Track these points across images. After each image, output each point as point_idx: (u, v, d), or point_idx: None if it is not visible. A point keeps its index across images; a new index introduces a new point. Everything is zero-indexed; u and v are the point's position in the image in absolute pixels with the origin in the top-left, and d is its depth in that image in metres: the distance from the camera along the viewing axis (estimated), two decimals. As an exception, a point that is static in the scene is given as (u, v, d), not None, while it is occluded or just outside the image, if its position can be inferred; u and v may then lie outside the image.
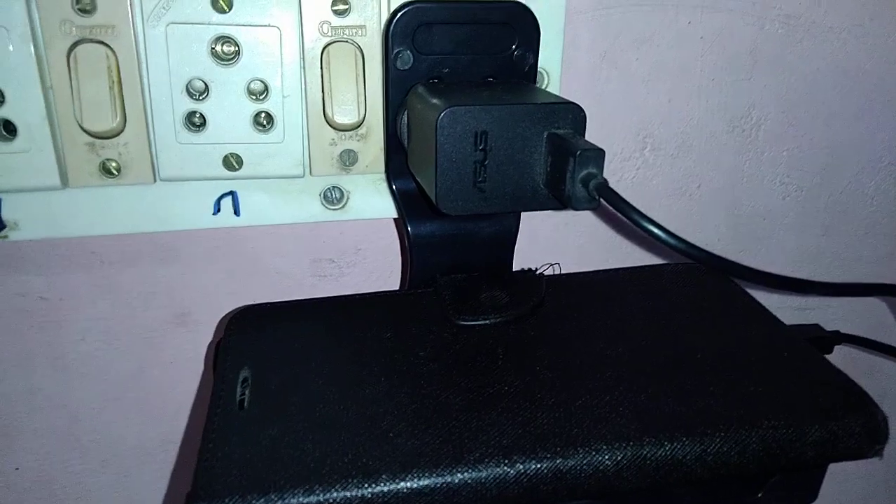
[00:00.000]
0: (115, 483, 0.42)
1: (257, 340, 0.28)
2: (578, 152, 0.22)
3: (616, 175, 0.42)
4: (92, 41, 0.27)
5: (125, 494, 0.42)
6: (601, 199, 0.22)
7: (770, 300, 0.44)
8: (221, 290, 0.39)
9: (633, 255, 0.44)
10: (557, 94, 0.32)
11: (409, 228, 0.31)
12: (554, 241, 0.42)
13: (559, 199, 0.24)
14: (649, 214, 0.43)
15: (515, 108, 0.24)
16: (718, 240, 0.45)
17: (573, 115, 0.24)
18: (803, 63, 0.42)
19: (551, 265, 0.33)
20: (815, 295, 0.32)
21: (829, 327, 0.36)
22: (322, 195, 0.32)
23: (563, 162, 0.23)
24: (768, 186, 0.45)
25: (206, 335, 0.40)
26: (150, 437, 0.41)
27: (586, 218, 0.42)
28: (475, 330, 0.29)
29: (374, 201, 0.33)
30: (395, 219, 0.36)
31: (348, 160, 0.31)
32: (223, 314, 0.39)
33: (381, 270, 0.41)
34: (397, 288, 0.41)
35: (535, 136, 0.24)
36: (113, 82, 0.28)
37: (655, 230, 0.21)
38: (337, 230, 0.39)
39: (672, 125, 0.41)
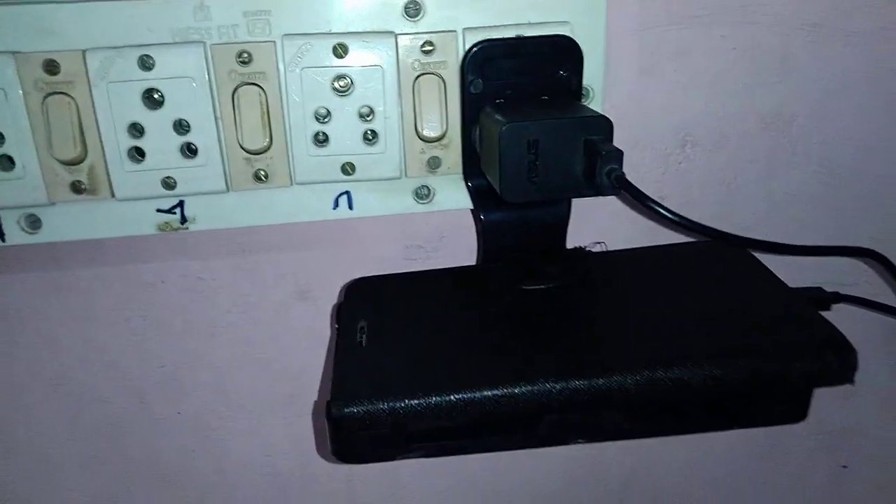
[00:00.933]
0: (253, 428, 0.50)
1: (369, 301, 0.38)
2: (603, 152, 0.30)
3: (660, 169, 0.47)
4: (249, 84, 0.37)
5: (260, 437, 0.51)
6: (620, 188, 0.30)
7: (794, 272, 0.48)
8: (335, 272, 0.45)
9: (662, 236, 0.49)
10: (597, 107, 0.40)
11: (482, 216, 0.40)
12: (602, 225, 0.49)
13: (592, 189, 0.32)
14: (691, 203, 0.49)
15: (559, 122, 0.32)
16: (756, 224, 0.50)
17: (602, 125, 0.32)
18: (831, 64, 0.45)
19: (598, 243, 0.41)
20: (791, 254, 0.37)
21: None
22: (414, 192, 0.42)
23: (594, 160, 0.31)
24: (801, 176, 0.47)
25: (323, 307, 0.46)
26: (280, 390, 0.48)
27: (626, 207, 0.48)
28: (535, 293, 0.37)
29: (454, 196, 0.42)
30: (471, 210, 0.44)
31: (434, 164, 0.40)
32: (335, 290, 0.45)
33: (460, 253, 0.46)
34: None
35: (575, 141, 0.32)
36: (264, 113, 0.38)
37: (661, 210, 0.28)
38: (424, 221, 0.45)
39: (709, 124, 0.45)
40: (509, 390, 0.30)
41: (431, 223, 0.46)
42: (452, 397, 0.30)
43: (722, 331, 0.33)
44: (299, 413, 0.50)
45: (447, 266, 0.48)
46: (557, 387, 0.30)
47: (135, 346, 0.46)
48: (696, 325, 0.33)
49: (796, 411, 0.31)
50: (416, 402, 0.30)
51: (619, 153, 0.30)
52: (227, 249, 0.44)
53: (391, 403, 0.30)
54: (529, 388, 0.30)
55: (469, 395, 0.30)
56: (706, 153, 0.47)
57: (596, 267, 0.39)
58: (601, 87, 0.40)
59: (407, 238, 0.46)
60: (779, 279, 0.37)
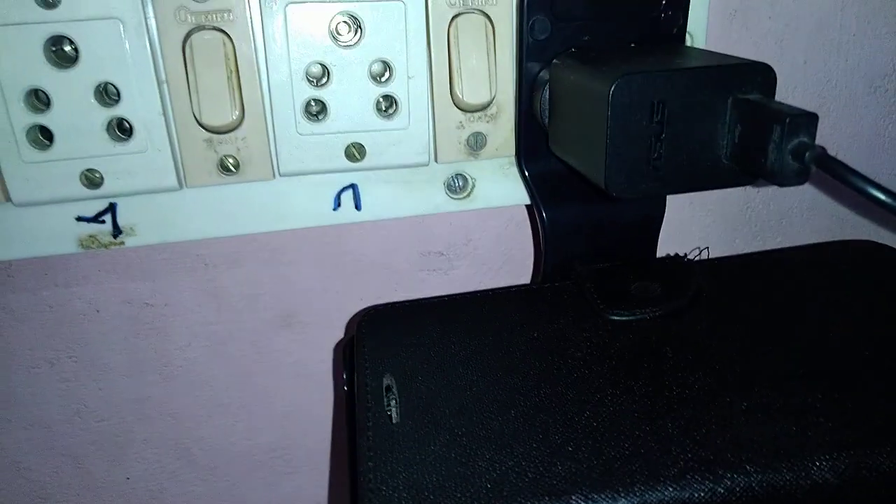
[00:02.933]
0: (224, 491, 0.41)
1: (393, 344, 0.26)
2: (788, 119, 0.19)
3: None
4: (207, 28, 0.25)
5: (234, 503, 0.41)
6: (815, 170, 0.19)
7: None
8: (328, 289, 0.37)
9: (762, 236, 0.41)
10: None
11: (545, 214, 0.29)
12: (680, 224, 0.39)
13: (749, 173, 0.21)
14: (775, 188, 0.40)
15: (698, 73, 0.21)
16: (856, 215, 0.42)
17: (762, 76, 0.21)
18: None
19: (700, 250, 0.30)
20: None
21: None
22: (446, 184, 0.30)
23: (763, 130, 0.19)
24: None
25: (314, 337, 0.38)
26: (258, 443, 0.40)
27: (713, 195, 0.39)
28: (632, 325, 0.26)
29: (501, 188, 0.31)
30: (527, 206, 0.33)
31: (476, 144, 0.28)
32: (331, 314, 0.38)
33: (493, 262, 0.38)
34: (514, 280, 0.38)
35: (719, 102, 0.21)
36: (231, 72, 0.26)
37: (893, 202, 0.17)
38: (446, 221, 0.37)
39: (808, 88, 0.38)
40: (642, 499, 0.19)
41: (455, 222, 0.38)
42: (555, 515, 0.19)
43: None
44: (284, 470, 0.42)
45: (475, 278, 0.38)
46: (720, 489, 0.19)
47: (64, 396, 0.38)
48: (888, 371, 0.23)
49: None
50: (498, 526, 0.18)
51: (813, 119, 0.19)
52: (183, 265, 0.36)
53: (459, 531, 0.18)
54: (675, 493, 0.19)
55: (580, 508, 0.19)
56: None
57: (706, 283, 0.28)
58: (704, 34, 0.29)
59: (423, 242, 0.38)
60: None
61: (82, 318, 0.36)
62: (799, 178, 0.19)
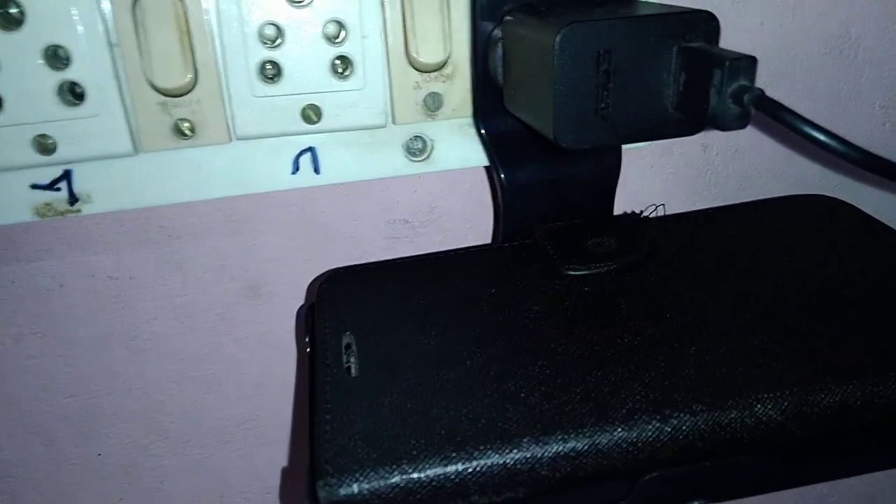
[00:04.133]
0: (197, 465, 0.41)
1: (354, 304, 0.26)
2: (727, 63, 0.19)
3: (703, 110, 0.39)
4: (157, -12, 0.25)
5: (207, 475, 0.42)
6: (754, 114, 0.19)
7: None
8: (294, 259, 0.37)
9: (722, 198, 0.41)
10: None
11: (502, 175, 0.29)
12: (640, 187, 0.39)
13: (695, 121, 0.21)
14: (741, 152, 0.40)
15: (643, 21, 0.21)
16: (816, 175, 0.42)
17: (706, 24, 0.21)
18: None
19: (656, 207, 0.30)
20: None
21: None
22: (405, 146, 0.30)
23: (705, 77, 0.20)
24: (868, 111, 0.41)
25: (282, 307, 0.38)
26: (230, 415, 0.40)
27: (673, 158, 0.39)
28: (587, 280, 0.27)
29: (460, 149, 0.31)
30: (485, 167, 0.33)
31: (433, 104, 0.29)
32: (298, 283, 0.38)
33: (458, 229, 0.38)
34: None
35: (664, 51, 0.21)
36: (182, 33, 0.25)
37: (834, 143, 0.18)
38: (410, 188, 0.37)
39: (765, 50, 0.38)
40: (591, 440, 0.19)
41: (420, 189, 0.37)
42: (507, 457, 0.19)
43: (874, 321, 0.23)
44: (257, 442, 0.42)
45: (441, 246, 0.38)
46: (667, 428, 0.20)
47: (30, 372, 0.37)
48: (832, 315, 0.23)
49: None
50: (450, 469, 0.19)
51: (752, 62, 0.19)
52: (146, 237, 0.35)
53: (413, 475, 0.19)
54: (624, 434, 0.19)
55: (531, 451, 0.19)
56: (761, 86, 0.38)
57: (662, 238, 0.28)
58: (658, -10, 0.29)
59: (388, 210, 0.37)
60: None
61: (46, 292, 0.35)
62: (740, 122, 0.19)
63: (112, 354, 0.37)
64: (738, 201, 0.42)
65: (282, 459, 0.42)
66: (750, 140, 0.40)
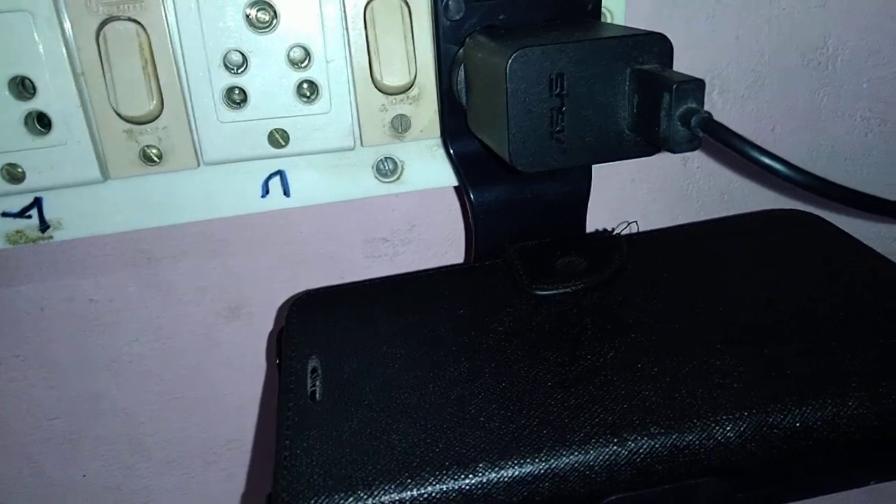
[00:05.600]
0: (182, 485, 0.41)
1: (322, 327, 0.27)
2: (675, 86, 0.19)
3: (682, 124, 0.39)
4: (120, 18, 0.25)
5: (192, 496, 0.42)
6: (703, 137, 0.19)
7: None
8: (273, 279, 0.37)
9: (705, 211, 0.41)
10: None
11: (472, 195, 0.29)
12: (620, 202, 0.39)
13: (650, 143, 0.21)
14: (723, 163, 0.40)
15: (594, 45, 0.21)
16: (797, 189, 0.42)
17: (658, 46, 0.21)
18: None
19: (628, 224, 0.30)
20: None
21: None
22: (375, 168, 0.30)
23: (656, 99, 0.20)
24: (848, 123, 0.41)
25: (262, 327, 0.38)
26: (213, 436, 0.40)
27: (653, 172, 0.39)
28: (555, 300, 0.27)
29: (430, 170, 0.31)
30: (455, 187, 0.34)
31: (401, 126, 0.29)
32: (277, 304, 0.38)
33: (438, 246, 0.38)
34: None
35: (618, 74, 0.21)
36: (146, 62, 0.25)
37: (778, 166, 0.18)
38: (389, 207, 0.37)
39: (741, 63, 0.38)
40: (548, 464, 0.19)
41: (399, 208, 0.37)
42: (462, 483, 0.19)
43: (839, 341, 0.23)
44: (241, 462, 0.42)
45: (421, 264, 0.38)
46: (624, 451, 0.19)
47: (14, 395, 0.37)
48: (798, 334, 0.23)
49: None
50: (405, 495, 0.19)
51: (699, 85, 0.19)
52: (125, 260, 0.36)
53: (367, 501, 0.19)
54: (580, 458, 0.19)
55: (485, 476, 0.19)
56: (738, 101, 0.39)
57: (633, 256, 0.28)
58: (623, 10, 0.29)
59: (367, 229, 0.37)
60: (886, 259, 0.27)
61: (27, 316, 0.35)
62: (690, 144, 0.19)
63: (94, 377, 0.37)
64: (720, 215, 0.42)
65: (267, 479, 0.42)
66: (730, 153, 0.40)
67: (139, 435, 0.39)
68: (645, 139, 0.21)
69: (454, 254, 0.39)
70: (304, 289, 0.38)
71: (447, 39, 0.27)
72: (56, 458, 0.39)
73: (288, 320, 0.27)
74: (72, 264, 0.35)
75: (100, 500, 0.40)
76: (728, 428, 0.20)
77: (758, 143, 0.39)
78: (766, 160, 0.18)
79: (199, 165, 0.28)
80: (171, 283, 0.36)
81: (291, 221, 0.36)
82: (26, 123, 0.26)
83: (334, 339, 0.26)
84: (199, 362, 0.38)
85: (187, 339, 0.38)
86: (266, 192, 0.29)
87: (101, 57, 0.25)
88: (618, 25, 0.24)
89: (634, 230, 0.30)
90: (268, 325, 0.38)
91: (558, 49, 0.21)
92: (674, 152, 0.20)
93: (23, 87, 0.26)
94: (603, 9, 0.29)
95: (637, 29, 0.22)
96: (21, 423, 0.38)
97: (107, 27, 0.25)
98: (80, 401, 0.38)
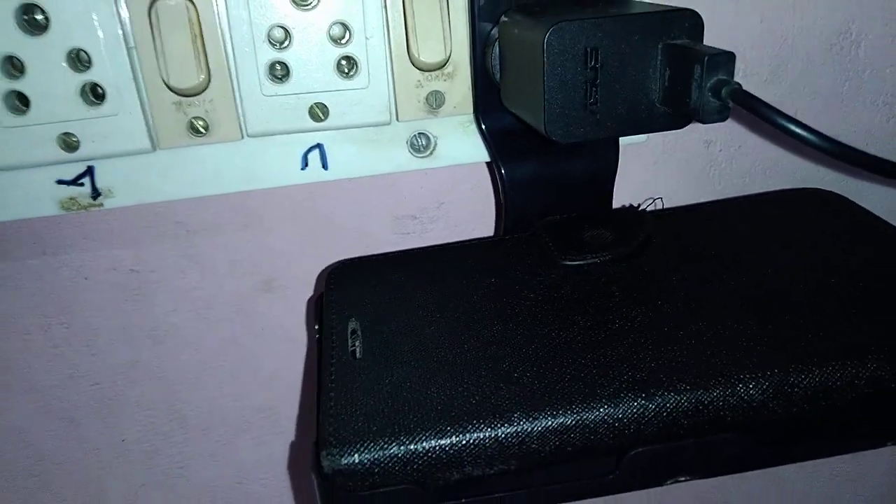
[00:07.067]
0: (215, 451, 0.43)
1: (360, 293, 0.28)
2: (706, 58, 0.20)
3: (705, 107, 0.39)
4: (171, -6, 0.26)
5: (224, 463, 0.43)
6: (732, 108, 0.20)
7: None
8: (305, 254, 0.38)
9: (726, 193, 0.42)
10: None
11: (503, 170, 0.30)
12: (643, 183, 0.40)
13: (680, 116, 0.22)
14: (744, 149, 0.41)
15: (629, 20, 0.22)
16: (818, 172, 0.43)
17: (690, 22, 0.22)
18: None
19: (653, 200, 0.31)
20: None
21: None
22: (409, 142, 0.31)
23: (687, 72, 0.21)
24: (871, 108, 0.42)
25: (293, 300, 0.39)
26: (246, 404, 0.42)
27: (676, 154, 0.40)
28: (583, 270, 0.28)
29: (462, 145, 0.32)
30: (487, 163, 0.35)
31: (435, 102, 0.30)
32: (309, 278, 0.39)
33: (465, 224, 0.39)
34: (485, 239, 0.39)
35: (650, 48, 0.22)
36: (195, 36, 0.27)
37: (807, 134, 0.19)
38: (418, 184, 0.38)
39: (765, 48, 0.39)
40: (579, 416, 0.21)
41: (426, 185, 0.38)
42: (498, 431, 0.20)
43: (859, 310, 0.23)
44: (273, 430, 0.43)
45: (448, 241, 0.39)
46: (651, 406, 0.20)
47: (57, 361, 0.39)
48: (818, 303, 0.24)
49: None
50: (445, 442, 0.20)
51: (730, 57, 0.20)
52: (165, 232, 0.37)
53: (410, 447, 0.20)
54: (610, 411, 0.21)
55: (521, 426, 0.20)
56: (761, 84, 0.39)
57: (658, 230, 0.29)
58: (650, -11, 0.30)
59: (396, 206, 0.38)
60: (905, 233, 0.27)
61: (71, 285, 0.37)
62: (720, 115, 0.20)
63: (134, 345, 0.39)
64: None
65: (297, 447, 0.43)
66: (753, 137, 0.41)
67: (176, 402, 0.41)
68: (675, 111, 0.22)
69: (481, 231, 0.40)
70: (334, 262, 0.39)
71: (482, 17, 0.28)
72: (97, 422, 0.40)
73: (327, 286, 0.28)
74: (114, 235, 0.36)
75: (138, 464, 0.42)
76: (751, 386, 0.21)
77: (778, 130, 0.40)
78: (795, 128, 0.19)
79: (242, 137, 0.29)
80: (207, 256, 0.37)
81: (322, 197, 0.37)
82: (82, 94, 0.27)
83: (371, 304, 0.27)
84: (233, 333, 0.39)
85: (223, 310, 0.39)
86: (305, 164, 0.30)
87: (152, 31, 0.27)
88: (647, 3, 0.25)
89: (659, 206, 0.31)
90: (300, 298, 0.39)
91: (594, 24, 0.22)
92: (704, 122, 0.20)
93: (78, 59, 0.27)
94: (632, -12, 0.30)
95: (669, 6, 0.23)
96: (63, 389, 0.39)
97: (158, 3, 0.26)
98: (120, 368, 0.39)
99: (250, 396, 0.41)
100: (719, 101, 0.20)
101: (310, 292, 0.39)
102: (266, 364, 0.41)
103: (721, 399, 0.21)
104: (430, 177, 0.37)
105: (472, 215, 0.39)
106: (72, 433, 0.40)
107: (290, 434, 0.43)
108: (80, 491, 0.42)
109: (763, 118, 0.19)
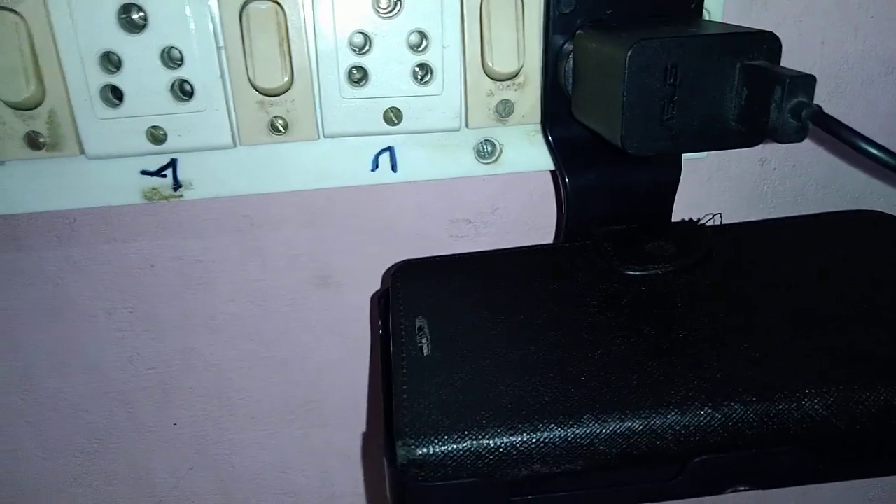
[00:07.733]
0: (261, 441, 0.43)
1: (425, 292, 0.29)
2: (788, 80, 0.21)
3: (761, 125, 0.40)
4: (263, -1, 0.28)
5: (269, 452, 0.44)
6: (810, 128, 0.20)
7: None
8: (362, 252, 0.39)
9: (777, 212, 0.42)
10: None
11: (567, 179, 0.31)
12: (697, 198, 0.41)
13: (754, 134, 0.23)
14: (798, 169, 0.41)
15: (709, 40, 0.23)
16: (871, 192, 0.43)
17: (768, 44, 0.23)
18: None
19: (713, 215, 0.32)
20: None
21: None
22: (475, 149, 0.32)
23: (766, 92, 0.21)
24: None
25: (348, 297, 0.40)
26: (294, 395, 0.42)
27: (730, 171, 0.40)
28: (644, 280, 0.28)
29: (526, 153, 0.33)
30: (551, 171, 0.35)
31: (504, 111, 0.31)
32: (364, 276, 0.40)
33: (518, 231, 0.40)
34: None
35: (728, 68, 0.23)
36: (282, 39, 0.28)
37: (884, 156, 0.19)
38: (473, 188, 0.39)
39: (825, 69, 0.39)
40: (648, 422, 0.21)
41: (482, 190, 0.39)
42: (569, 432, 0.21)
43: (923, 331, 0.24)
44: (318, 422, 0.44)
45: (500, 246, 0.40)
46: (718, 415, 0.21)
47: (119, 344, 0.40)
48: (880, 323, 0.24)
49: None
50: (516, 439, 0.21)
51: (811, 80, 0.20)
52: (230, 225, 0.38)
53: (482, 441, 0.21)
54: (677, 418, 0.21)
55: (591, 428, 0.21)
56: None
57: (718, 245, 0.30)
58: (721, 9, 0.30)
59: (452, 209, 0.39)
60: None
61: (138, 271, 0.38)
62: (798, 135, 0.21)
63: (192, 332, 0.40)
64: (792, 214, 0.42)
65: (339, 441, 0.44)
66: (807, 156, 0.41)
67: (227, 390, 0.42)
68: (749, 130, 0.23)
69: (532, 238, 0.40)
70: (391, 262, 0.40)
71: (556, 30, 0.29)
72: (151, 405, 0.42)
73: (393, 283, 0.29)
74: (182, 226, 0.37)
75: (187, 448, 0.43)
76: (816, 400, 0.21)
77: (836, 146, 0.40)
78: (873, 150, 0.19)
79: (319, 137, 0.30)
80: (269, 249, 0.38)
81: (383, 198, 0.38)
82: (171, 90, 0.29)
83: (436, 303, 0.28)
84: (287, 325, 0.40)
85: (279, 302, 0.40)
86: (376, 166, 0.32)
87: (242, 32, 0.28)
88: (724, 23, 0.26)
89: (718, 222, 0.32)
90: (354, 295, 0.40)
91: (676, 42, 0.22)
92: (781, 142, 0.21)
93: (170, 57, 0.29)
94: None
95: (746, 27, 0.24)
96: (122, 371, 0.40)
97: (250, 6, 0.28)
98: (176, 353, 0.40)
99: (297, 388, 0.42)
100: (799, 122, 0.20)
101: (364, 290, 0.40)
102: (315, 358, 0.41)
103: (786, 412, 0.21)
104: (488, 182, 0.38)
105: (525, 222, 0.40)
106: (126, 414, 0.42)
107: (331, 428, 0.44)
108: (129, 471, 0.43)
109: (842, 139, 0.20)
